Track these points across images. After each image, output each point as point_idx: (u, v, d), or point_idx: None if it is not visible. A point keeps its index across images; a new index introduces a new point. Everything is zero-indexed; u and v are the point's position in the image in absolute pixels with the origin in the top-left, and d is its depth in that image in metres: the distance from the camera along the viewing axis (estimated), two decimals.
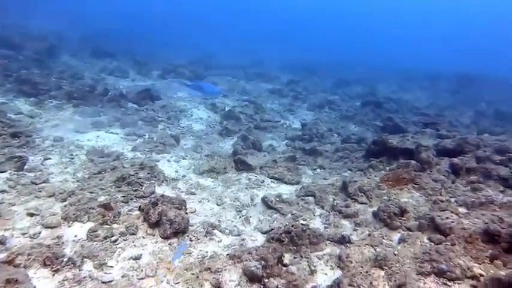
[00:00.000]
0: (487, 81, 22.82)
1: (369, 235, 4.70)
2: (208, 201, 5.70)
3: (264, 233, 4.92)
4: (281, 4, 74.56)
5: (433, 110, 15.37)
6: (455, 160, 6.26)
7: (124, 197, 5.10)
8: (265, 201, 5.65)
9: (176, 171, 6.69)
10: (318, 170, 7.78)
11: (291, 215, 5.41)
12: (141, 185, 5.51)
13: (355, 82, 21.61)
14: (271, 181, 6.73)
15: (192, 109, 11.18)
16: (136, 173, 5.87)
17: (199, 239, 4.48)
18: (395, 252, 4.07)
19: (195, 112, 10.97)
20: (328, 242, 4.64)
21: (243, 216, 5.38)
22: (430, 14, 71.86)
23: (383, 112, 13.56)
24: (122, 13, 40.21)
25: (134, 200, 5.15)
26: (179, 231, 4.36)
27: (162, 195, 4.74)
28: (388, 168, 7.21)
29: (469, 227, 4.27)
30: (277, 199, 5.65)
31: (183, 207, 4.78)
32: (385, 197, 5.58)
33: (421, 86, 21.33)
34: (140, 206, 4.69)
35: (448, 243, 4.04)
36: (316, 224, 5.21)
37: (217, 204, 5.59)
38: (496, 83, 22.40)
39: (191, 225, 4.74)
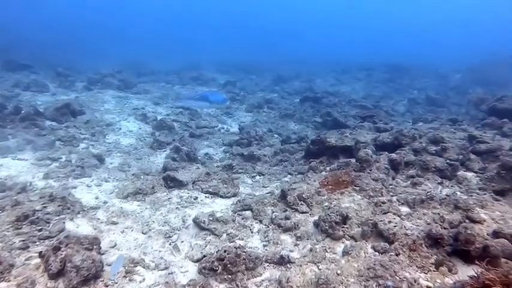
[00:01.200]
0: (417, 70, 23.90)
1: (311, 250, 4.30)
2: (133, 230, 4.99)
3: (195, 261, 4.34)
4: (210, 6, 73.61)
5: (370, 101, 15.65)
6: (394, 156, 6.10)
7: (23, 241, 4.25)
8: (197, 223, 5.07)
9: (96, 198, 5.87)
10: (257, 177, 7.34)
11: (227, 235, 4.88)
12: (47, 223, 4.69)
13: (294, 78, 21.64)
14: (206, 196, 6.16)
15: (121, 122, 10.26)
16: (44, 207, 5.02)
17: (116, 283, 3.80)
18: (339, 272, 3.69)
19: (124, 125, 10.07)
20: (267, 264, 4.17)
21: (172, 243, 4.77)
22: (362, 8, 74.81)
23: (322, 107, 13.49)
24: (45, 21, 37.30)
25: (37, 243, 4.32)
26: (89, 277, 3.65)
27: (67, 236, 3.97)
28: (328, 168, 6.96)
29: (412, 232, 4.02)
30: (211, 218, 5.09)
31: (95, 246, 4.06)
32: (326, 204, 5.23)
33: (357, 78, 21.84)
34: (41, 252, 3.90)
35: (393, 254, 3.74)
36: (255, 242, 4.73)
37: (142, 233, 4.90)
38: (426, 71, 23.50)
39: (109, 265, 4.05)
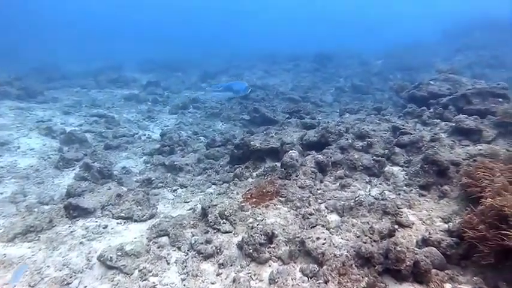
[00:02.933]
0: (342, 58, 24.47)
1: (234, 280, 3.76)
2: (15, 285, 4.08)
3: None
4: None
5: (298, 92, 15.52)
6: (320, 157, 5.76)
7: None
8: (103, 261, 4.29)
9: None
10: (179, 191, 6.67)
11: (139, 271, 4.16)
12: None
13: (222, 73, 21.03)
14: (118, 223, 5.36)
15: (20, 138, 8.88)
16: None
17: None
18: None
19: (23, 142, 8.71)
20: None
21: None
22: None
23: (250, 103, 13.05)
24: None
25: None
26: None
27: None
28: (255, 174, 6.49)
29: (341, 252, 3.65)
30: (119, 253, 4.34)
31: None
32: (251, 220, 4.73)
33: (285, 69, 21.71)
34: None
35: (321, 281, 3.33)
36: (171, 277, 4.08)
37: (29, 286, 4.01)
38: (350, 59, 24.13)
39: None
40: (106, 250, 4.38)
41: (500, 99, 7.31)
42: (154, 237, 4.79)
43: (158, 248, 4.58)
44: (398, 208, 4.57)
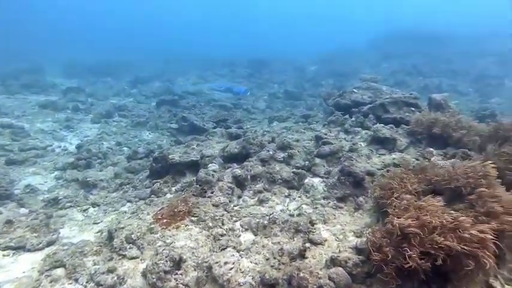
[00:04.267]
0: (278, 63, 24.77)
1: None
2: None
3: None
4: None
5: (231, 98, 15.32)
6: (237, 172, 5.49)
7: None
8: None
9: None
10: (91, 210, 6.06)
11: None
12: None
13: (154, 78, 20.23)
14: (5, 255, 4.66)
15: None
16: None
17: None
18: None
19: None
20: None
21: None
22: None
23: (180, 110, 12.56)
24: None
25: None
26: None
27: None
28: (174, 189, 6.09)
29: (245, 280, 3.38)
30: None
31: None
32: (160, 243, 4.32)
33: (220, 74, 21.46)
34: None
35: None
36: None
37: None
38: (285, 65, 24.50)
39: None
40: None
41: (413, 108, 7.63)
42: (47, 270, 4.19)
43: (50, 282, 4.00)
44: (313, 224, 4.44)
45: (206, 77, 20.78)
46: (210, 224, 4.48)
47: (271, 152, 6.20)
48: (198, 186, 5.26)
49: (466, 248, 3.09)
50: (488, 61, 21.72)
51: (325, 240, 4.06)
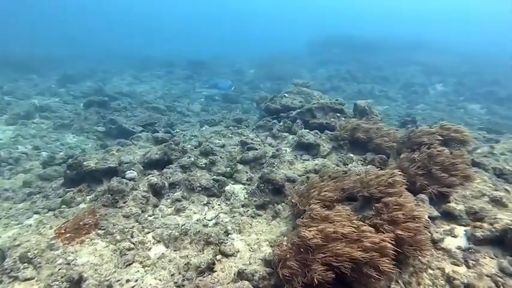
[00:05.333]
0: (218, 65, 24.54)
1: None
2: None
3: None
4: None
5: (167, 100, 14.91)
6: (154, 180, 5.26)
7: None
8: None
9: None
10: None
11: None
12: None
13: (86, 77, 19.09)
14: None
15: None
16: None
17: None
18: None
19: None
20: None
21: None
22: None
23: (109, 112, 11.93)
24: None
25: None
26: None
27: None
28: (89, 198, 5.67)
29: None
30: None
31: None
32: (60, 261, 3.96)
33: (157, 75, 20.73)
34: None
35: None
36: None
37: None
38: (226, 67, 24.30)
39: None
40: None
41: (338, 114, 7.88)
42: None
43: None
44: (228, 234, 4.35)
45: (142, 78, 19.92)
46: (118, 237, 4.21)
47: (192, 159, 6.03)
48: (109, 195, 4.93)
49: (366, 257, 3.17)
50: (416, 69, 23.33)
51: (238, 252, 3.99)
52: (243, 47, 34.24)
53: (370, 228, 3.43)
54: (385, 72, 22.02)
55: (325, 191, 4.21)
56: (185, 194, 5.36)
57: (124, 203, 4.83)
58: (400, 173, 4.27)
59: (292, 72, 21.17)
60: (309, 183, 4.64)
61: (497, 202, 4.44)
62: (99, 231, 4.30)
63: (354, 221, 3.49)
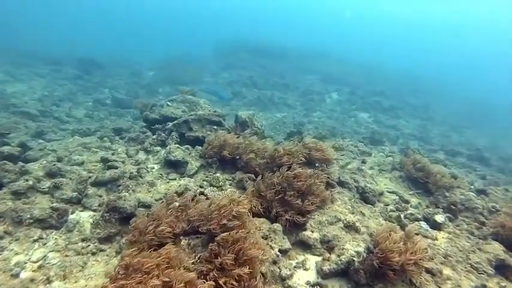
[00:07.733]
0: (114, 66, 22.67)
1: None
2: None
3: None
4: None
5: (45, 103, 13.13)
6: None
7: None
8: None
9: None
10: None
11: None
12: None
13: None
14: None
15: None
16: None
17: None
18: None
19: None
20: None
21: None
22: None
23: None
24: None
25: None
26: None
27: None
28: None
29: None
30: None
31: None
32: None
33: (39, 74, 18.18)
34: None
35: None
36: None
37: None
38: (123, 68, 22.53)
39: None
40: None
41: (215, 127, 7.42)
42: None
43: None
44: (50, 281, 3.55)
45: (18, 75, 17.17)
46: None
47: (31, 182, 5.03)
48: None
49: None
50: (316, 78, 24.28)
51: None
52: (146, 48, 32.35)
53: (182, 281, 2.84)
54: (287, 80, 22.47)
55: (164, 225, 3.64)
56: (10, 228, 4.37)
57: None
58: (255, 200, 3.91)
59: (194, 76, 20.47)
60: (152, 213, 4.03)
61: (350, 228, 4.33)
62: None
63: (167, 271, 2.89)
